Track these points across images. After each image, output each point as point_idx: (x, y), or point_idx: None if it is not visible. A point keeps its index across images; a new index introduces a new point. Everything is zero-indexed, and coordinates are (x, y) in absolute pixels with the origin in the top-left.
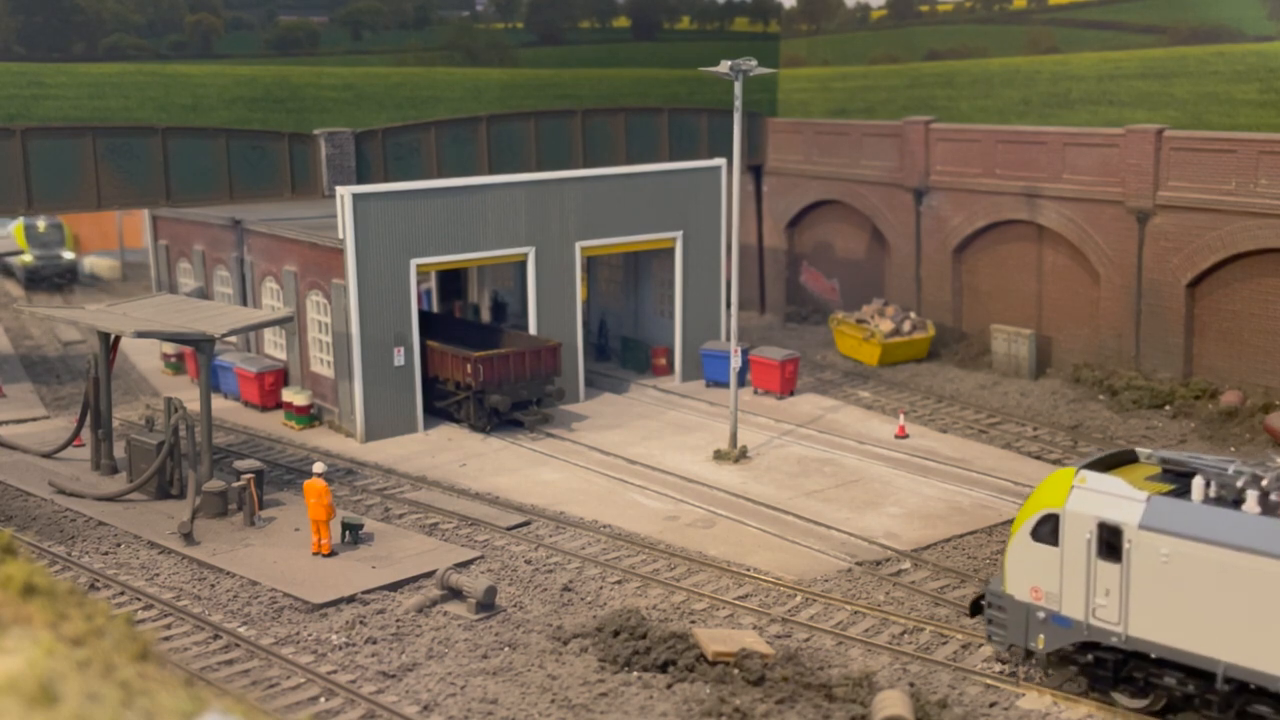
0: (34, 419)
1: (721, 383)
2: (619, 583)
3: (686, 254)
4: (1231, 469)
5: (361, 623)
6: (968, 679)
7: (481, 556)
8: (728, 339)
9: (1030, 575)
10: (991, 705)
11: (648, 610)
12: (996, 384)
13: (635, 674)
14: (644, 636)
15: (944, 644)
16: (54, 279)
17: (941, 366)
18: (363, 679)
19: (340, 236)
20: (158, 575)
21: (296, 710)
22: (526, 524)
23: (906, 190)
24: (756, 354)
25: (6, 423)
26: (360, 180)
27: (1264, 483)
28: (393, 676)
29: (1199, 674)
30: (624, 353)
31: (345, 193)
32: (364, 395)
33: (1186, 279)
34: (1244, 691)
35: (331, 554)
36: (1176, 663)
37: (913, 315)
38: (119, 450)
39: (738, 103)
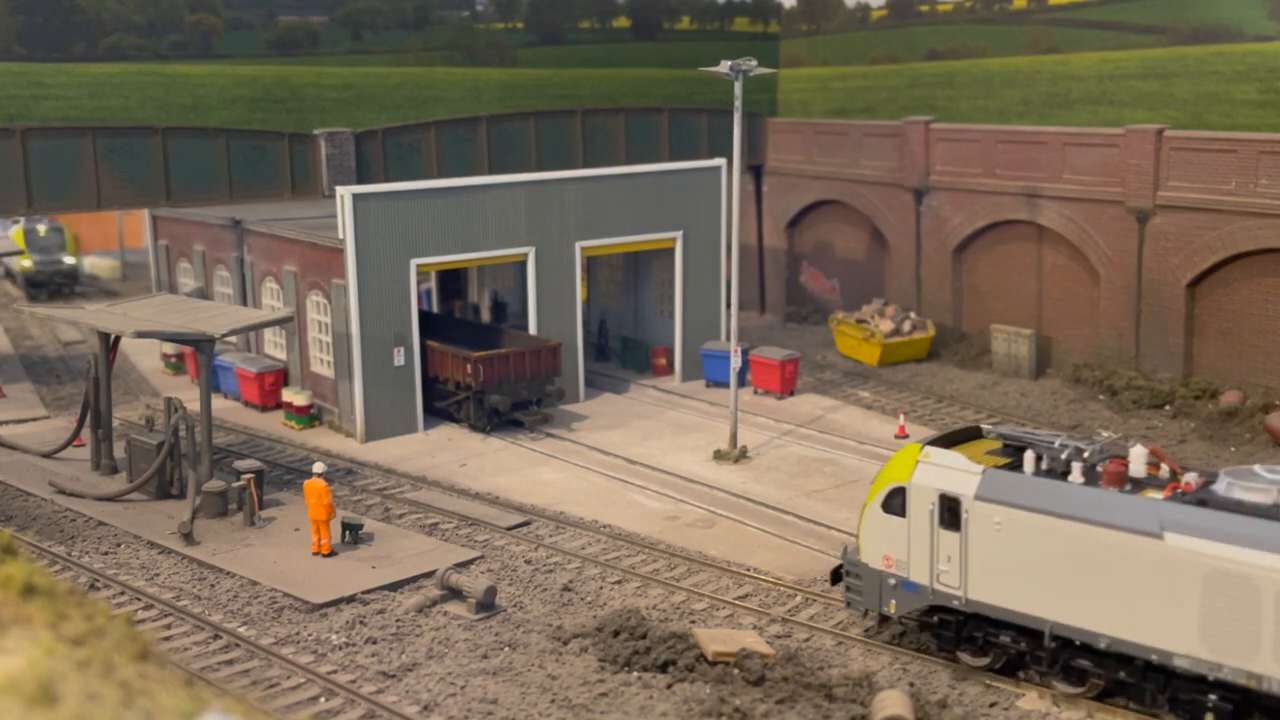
0: (34, 419)
1: (721, 383)
2: (619, 583)
3: (686, 254)
4: (1058, 442)
5: (361, 623)
6: (968, 679)
7: (481, 556)
8: (728, 339)
9: (882, 544)
10: (991, 705)
11: (648, 610)
12: (996, 384)
13: (635, 674)
14: (644, 636)
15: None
16: (54, 285)
17: (941, 366)
18: (363, 679)
19: (340, 236)
20: (158, 575)
21: (296, 710)
22: (526, 524)
23: (906, 190)
24: (756, 354)
25: (6, 423)
26: (360, 180)
27: (1086, 455)
28: (393, 676)
29: (1030, 633)
30: (624, 353)
31: (345, 193)
32: (364, 395)
33: (1186, 279)
34: (1069, 647)
35: (331, 554)
36: (1010, 623)
37: (913, 315)
38: (119, 450)
39: (738, 103)
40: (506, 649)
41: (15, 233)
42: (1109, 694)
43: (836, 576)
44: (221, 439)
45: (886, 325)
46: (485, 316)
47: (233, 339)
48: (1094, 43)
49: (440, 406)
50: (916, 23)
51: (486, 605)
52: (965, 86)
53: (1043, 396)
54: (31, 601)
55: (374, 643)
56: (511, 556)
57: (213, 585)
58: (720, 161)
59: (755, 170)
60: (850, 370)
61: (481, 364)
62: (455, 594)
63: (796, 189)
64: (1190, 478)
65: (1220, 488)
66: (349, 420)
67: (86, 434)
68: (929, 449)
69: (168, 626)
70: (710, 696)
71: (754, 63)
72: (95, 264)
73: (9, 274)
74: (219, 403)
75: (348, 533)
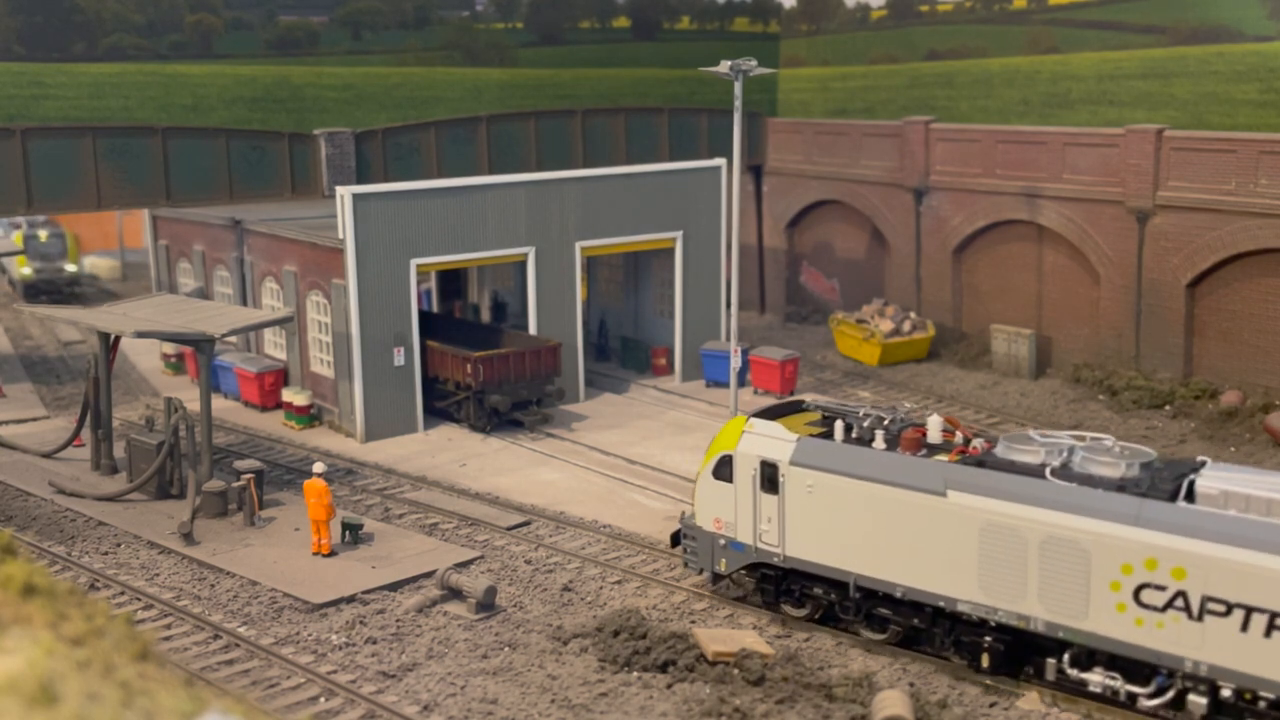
0: (34, 419)
1: (721, 383)
2: (619, 583)
3: (686, 254)
4: (862, 412)
5: (361, 623)
6: (968, 679)
7: (481, 556)
8: (728, 339)
9: (713, 508)
10: (991, 705)
11: (648, 610)
12: (996, 384)
13: (635, 674)
14: (644, 636)
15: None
16: (55, 295)
17: (941, 366)
18: (363, 679)
19: (340, 236)
20: (158, 575)
21: (296, 710)
22: (526, 524)
23: (906, 190)
24: (756, 354)
25: (6, 423)
26: (360, 180)
27: (887, 423)
28: (393, 676)
29: (839, 585)
30: (624, 353)
31: (345, 193)
32: (364, 395)
33: (1186, 279)
34: (871, 597)
35: (331, 554)
36: (822, 576)
37: (913, 315)
38: (119, 450)
39: (738, 103)
40: (506, 649)
41: (15, 238)
42: (908, 641)
43: (676, 540)
44: (221, 439)
45: (886, 325)
46: (485, 316)
47: (233, 339)
48: (1094, 43)
49: (440, 406)
50: (916, 23)
51: (486, 605)
52: (965, 86)
53: (1043, 396)
54: (31, 601)
55: (374, 643)
56: (511, 556)
57: (213, 585)
58: (720, 161)
59: (755, 170)
60: (850, 370)
61: (481, 364)
62: (455, 594)
63: (796, 189)
64: (978, 442)
65: (999, 450)
66: (349, 420)
67: (86, 434)
68: (753, 420)
69: (168, 626)
70: (710, 696)
71: (754, 63)
72: (95, 264)
73: (10, 282)
74: (219, 403)
75: (348, 533)
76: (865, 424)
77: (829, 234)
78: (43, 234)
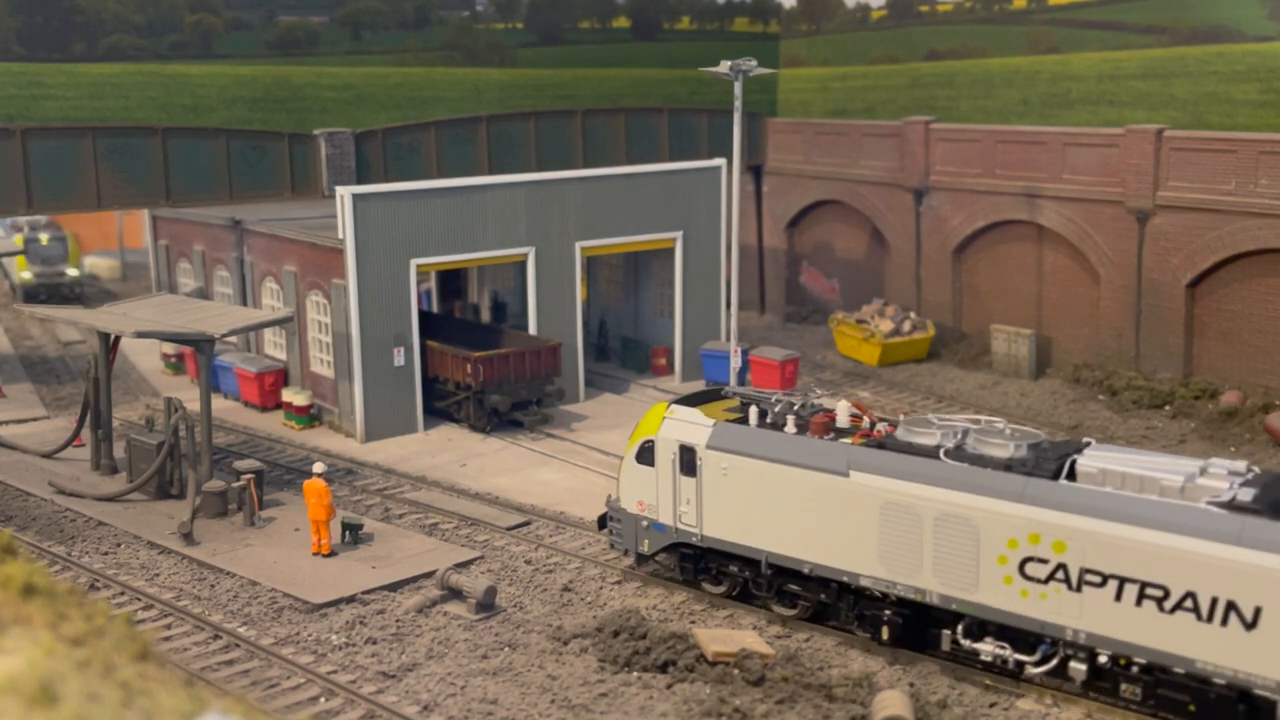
0: (34, 419)
1: (721, 383)
2: (619, 583)
3: (686, 254)
4: (774, 398)
5: (361, 623)
6: (968, 679)
7: (481, 556)
8: (728, 339)
9: (636, 491)
10: (991, 705)
11: (648, 610)
12: (996, 384)
13: (635, 674)
14: (644, 636)
15: None
16: (55, 299)
17: (941, 367)
18: (363, 679)
19: (340, 236)
20: (158, 575)
21: (296, 710)
22: (526, 524)
23: (906, 190)
24: (756, 354)
25: (6, 423)
26: (360, 180)
27: (797, 408)
28: (393, 676)
29: (753, 563)
30: (624, 353)
31: (345, 193)
32: (364, 395)
33: (1186, 279)
34: (782, 574)
35: (331, 554)
36: (737, 555)
37: (913, 315)
38: (119, 450)
39: (738, 103)
40: (506, 649)
41: (16, 241)
42: (817, 617)
43: (603, 522)
44: (221, 439)
45: (886, 325)
46: (485, 316)
47: (233, 339)
48: (1094, 43)
49: (440, 406)
50: (916, 23)
51: (486, 605)
52: (965, 86)
53: (1043, 396)
54: (31, 601)
55: (374, 643)
56: (511, 556)
57: (213, 585)
58: (720, 161)
59: (755, 170)
60: (850, 370)
61: (481, 364)
62: (455, 594)
63: (796, 189)
64: (881, 426)
65: (899, 433)
66: (349, 420)
67: (86, 434)
68: (674, 407)
69: (168, 626)
70: (710, 696)
71: (754, 63)
72: (95, 264)
73: (11, 287)
74: (219, 403)
75: (348, 533)
76: (777, 409)
77: (829, 234)
78: (44, 237)
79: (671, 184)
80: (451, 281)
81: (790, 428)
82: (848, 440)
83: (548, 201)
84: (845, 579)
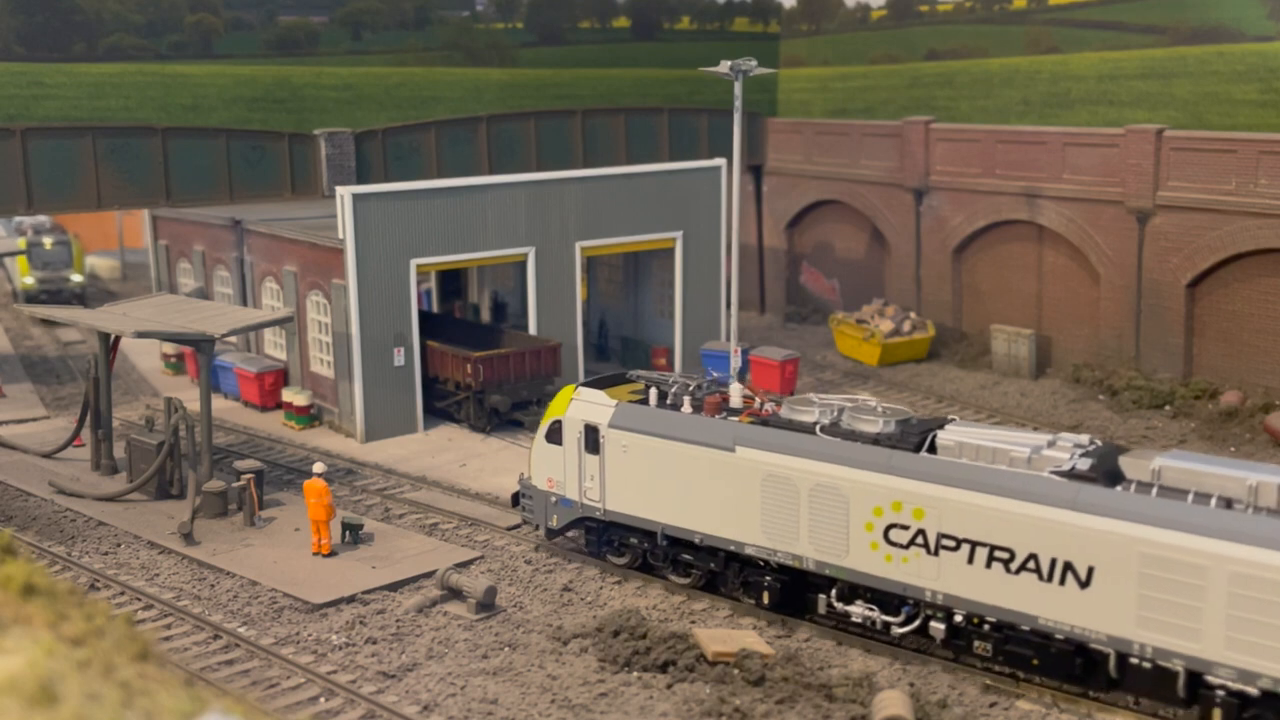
0: (34, 419)
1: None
2: (619, 583)
3: (686, 254)
4: (671, 378)
5: (361, 623)
6: (968, 679)
7: (481, 556)
8: (728, 339)
9: (546, 469)
10: (991, 705)
11: (648, 610)
12: (997, 384)
13: (635, 674)
14: (644, 636)
15: None
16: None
17: (941, 366)
18: (363, 679)
19: (340, 236)
20: (158, 575)
21: (296, 710)
22: (527, 524)
23: (906, 190)
24: (756, 354)
25: (6, 423)
26: (360, 180)
27: (691, 388)
28: (393, 676)
29: (650, 535)
30: (624, 353)
31: (345, 193)
32: (364, 395)
33: (1186, 279)
34: (676, 544)
35: (331, 554)
36: (636, 527)
37: (913, 315)
38: (119, 450)
39: (738, 103)
40: (506, 649)
41: (19, 245)
42: (707, 587)
43: (516, 500)
44: (221, 439)
45: (886, 325)
46: (485, 316)
47: (233, 339)
48: (1094, 43)
49: (440, 406)
50: (916, 23)
51: (486, 605)
52: (965, 86)
53: (1043, 396)
54: (31, 601)
55: (374, 643)
56: (511, 556)
57: (213, 585)
58: (720, 161)
59: (755, 170)
60: (850, 370)
61: (481, 364)
62: (455, 594)
63: (796, 189)
64: (769, 406)
65: (783, 411)
66: (349, 420)
67: (86, 434)
68: (580, 389)
69: (168, 626)
70: (710, 696)
71: (754, 63)
72: (95, 264)
73: (13, 292)
74: (219, 403)
75: (348, 533)
76: (674, 390)
77: (829, 234)
78: (47, 241)
79: (671, 184)
80: (451, 281)
81: (686, 407)
82: (735, 418)
83: (548, 201)
84: (732, 548)
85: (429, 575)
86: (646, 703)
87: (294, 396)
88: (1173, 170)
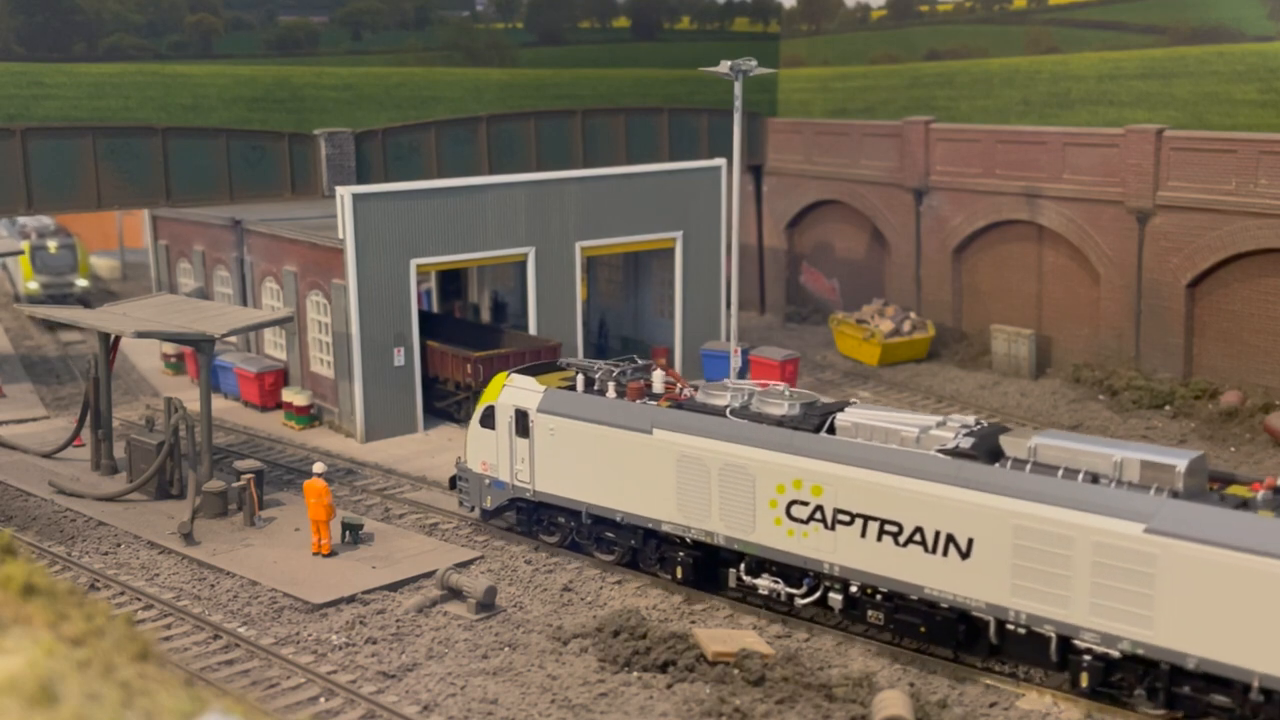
0: (34, 419)
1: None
2: (619, 583)
3: (686, 254)
4: (596, 365)
5: (361, 623)
6: (968, 679)
7: (481, 556)
8: (728, 339)
9: (480, 453)
10: (992, 705)
11: (648, 610)
12: (997, 384)
13: (635, 674)
14: (644, 636)
15: None
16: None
17: (942, 366)
18: (363, 679)
19: (340, 236)
20: (158, 575)
21: (296, 710)
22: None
23: (906, 190)
24: (756, 354)
25: (6, 423)
26: (360, 180)
27: (616, 374)
28: (393, 676)
29: (576, 514)
30: (624, 353)
31: (345, 193)
32: (364, 395)
33: (1186, 279)
34: (600, 523)
35: (331, 554)
36: (564, 507)
37: (913, 315)
38: (119, 450)
39: (738, 103)
40: (506, 649)
41: (23, 249)
42: (630, 564)
43: (453, 483)
44: (221, 439)
45: (886, 325)
46: (485, 316)
47: (233, 339)
48: (1094, 43)
49: (440, 406)
50: (916, 23)
51: (486, 605)
52: (965, 86)
53: (1043, 396)
54: (31, 601)
55: (374, 643)
56: (511, 556)
57: (213, 585)
58: (720, 161)
59: (755, 170)
60: (850, 370)
61: (481, 364)
62: (455, 594)
63: (796, 189)
64: (687, 391)
65: (698, 396)
66: (349, 420)
67: (86, 434)
68: (512, 375)
69: (168, 626)
70: (710, 696)
71: (754, 63)
72: (95, 264)
73: (16, 298)
74: (219, 403)
75: (348, 533)
76: (600, 376)
77: (829, 234)
78: (52, 244)
79: (671, 184)
80: (451, 281)
81: (610, 393)
82: (655, 403)
83: (548, 201)
84: (650, 525)
85: (429, 575)
86: (646, 703)
87: (294, 396)
88: (1173, 170)
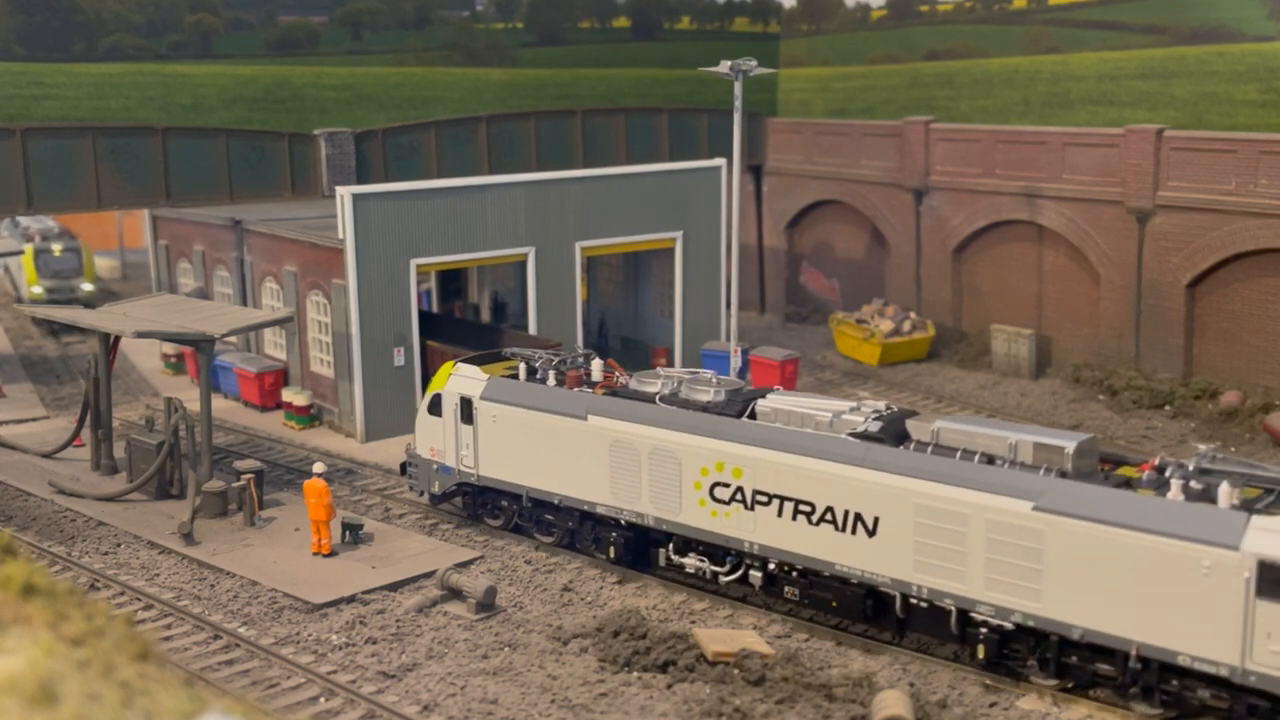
0: (34, 419)
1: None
2: (619, 583)
3: (686, 254)
4: (536, 354)
5: (361, 623)
6: (968, 679)
7: (481, 556)
8: (728, 339)
9: (428, 439)
10: (991, 705)
11: (648, 610)
12: (996, 384)
13: (635, 674)
14: (644, 636)
15: None
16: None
17: (941, 366)
18: (363, 679)
19: (340, 236)
20: (158, 575)
21: (296, 710)
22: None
23: (906, 190)
24: (756, 354)
25: (6, 423)
26: (360, 180)
27: (555, 362)
28: (393, 676)
29: (518, 498)
30: (624, 353)
31: (345, 193)
32: (364, 395)
33: (1186, 279)
34: (540, 506)
35: (331, 554)
36: (507, 491)
37: (913, 315)
38: (119, 450)
39: (738, 103)
40: (506, 649)
41: (26, 253)
42: (569, 545)
43: (403, 469)
44: (221, 439)
45: (886, 325)
46: (485, 316)
47: (233, 339)
48: (1094, 43)
49: None
50: (916, 23)
51: (486, 605)
52: (965, 86)
53: (1043, 396)
54: (31, 601)
55: (374, 643)
56: (511, 556)
57: (213, 585)
58: (720, 161)
59: (755, 170)
60: (850, 370)
61: None
62: (455, 594)
63: (796, 189)
64: (623, 379)
65: (632, 384)
66: (349, 420)
67: (86, 434)
68: (458, 364)
69: (168, 626)
70: (710, 696)
71: (754, 63)
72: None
73: (19, 301)
74: (219, 403)
75: (348, 533)
76: (539, 365)
77: (829, 234)
78: (56, 248)
79: (671, 184)
80: (451, 281)
81: (551, 381)
82: (590, 390)
83: (548, 201)
84: (586, 508)
85: (429, 575)
86: (646, 703)
87: (294, 396)
88: (1173, 170)
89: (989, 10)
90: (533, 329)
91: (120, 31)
